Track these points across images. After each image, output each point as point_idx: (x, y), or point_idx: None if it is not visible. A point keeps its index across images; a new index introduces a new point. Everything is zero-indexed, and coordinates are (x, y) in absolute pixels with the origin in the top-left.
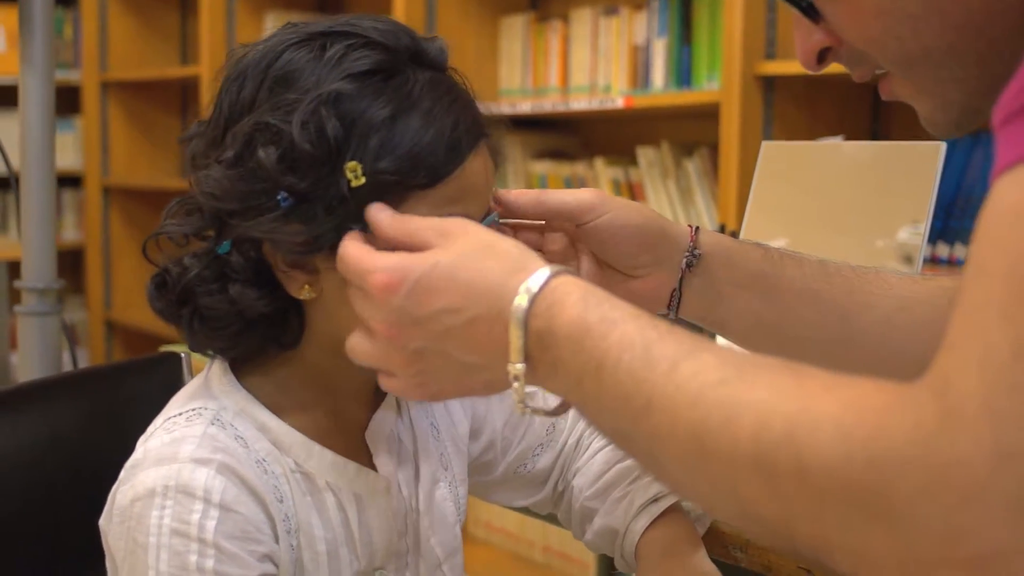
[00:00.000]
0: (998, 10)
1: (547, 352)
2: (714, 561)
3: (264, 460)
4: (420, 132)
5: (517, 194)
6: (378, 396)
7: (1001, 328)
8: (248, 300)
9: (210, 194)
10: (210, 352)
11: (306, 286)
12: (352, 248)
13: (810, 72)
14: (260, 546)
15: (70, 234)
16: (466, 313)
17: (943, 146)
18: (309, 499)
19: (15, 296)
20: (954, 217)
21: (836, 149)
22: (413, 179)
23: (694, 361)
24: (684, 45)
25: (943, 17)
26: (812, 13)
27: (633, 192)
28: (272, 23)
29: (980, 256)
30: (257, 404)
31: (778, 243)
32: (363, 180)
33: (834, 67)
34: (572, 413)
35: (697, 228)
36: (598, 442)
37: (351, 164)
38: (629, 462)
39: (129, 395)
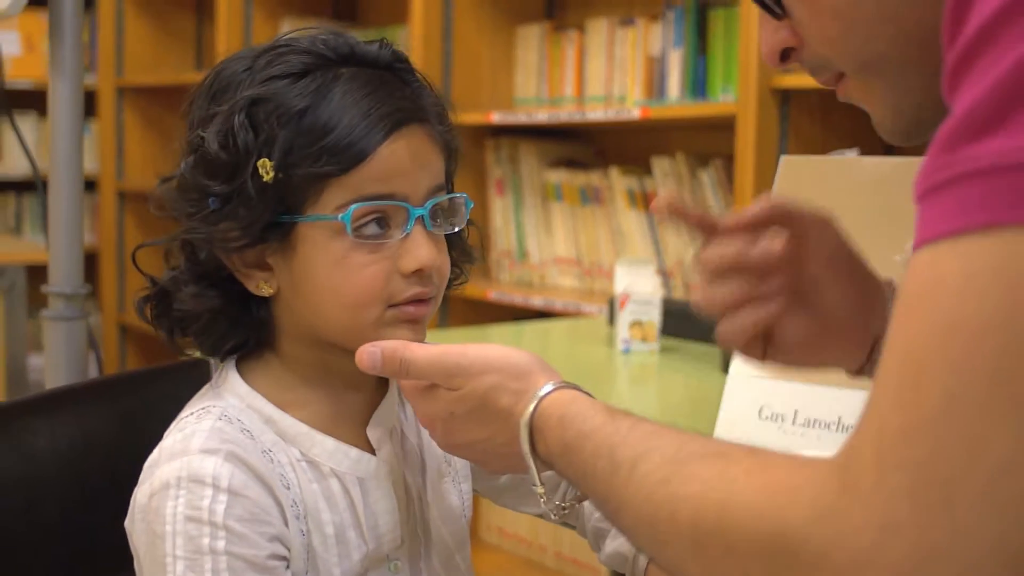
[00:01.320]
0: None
1: (557, 471)
2: None
3: (270, 450)
4: (329, 123)
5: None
6: (380, 388)
7: (893, 409)
8: (199, 297)
9: (158, 207)
10: (188, 349)
11: (263, 283)
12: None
13: (773, 67)
14: (269, 528)
15: (85, 238)
16: (495, 443)
17: None
18: (315, 486)
19: (32, 300)
20: None
21: (854, 164)
22: (323, 167)
23: (646, 463)
24: (700, 56)
25: (897, 25)
26: (777, 9)
27: (648, 202)
28: (288, 29)
29: (890, 332)
30: (261, 399)
31: None
32: (272, 175)
33: None
34: None
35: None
36: None
37: (261, 162)
38: None
39: (159, 399)
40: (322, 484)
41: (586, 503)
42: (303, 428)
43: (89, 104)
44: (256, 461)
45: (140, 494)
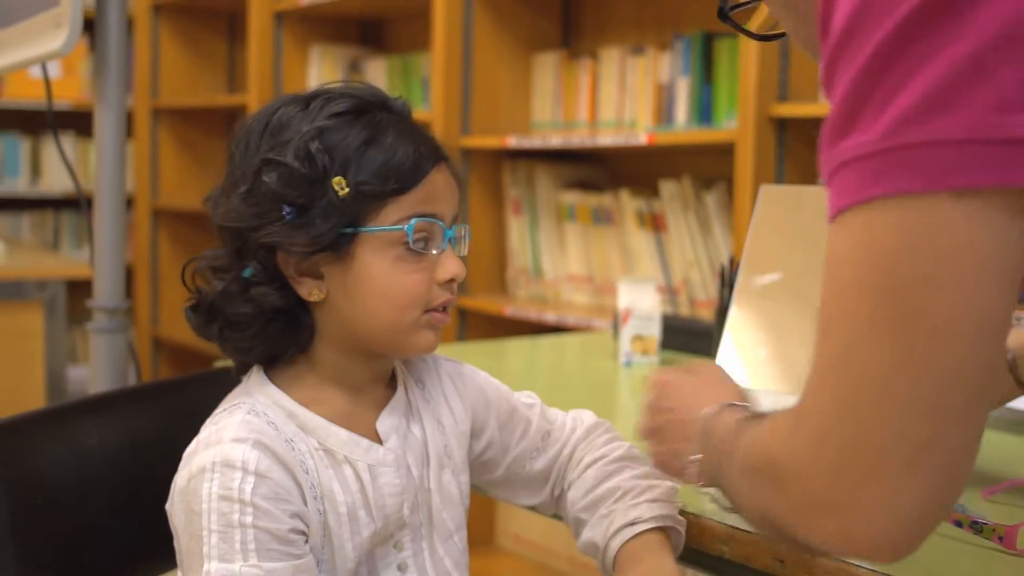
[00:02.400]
0: None
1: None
2: (701, 552)
3: (292, 440)
4: (389, 152)
5: None
6: (389, 388)
7: (818, 354)
8: (265, 296)
9: (228, 218)
10: (239, 355)
11: (315, 290)
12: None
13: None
14: (290, 505)
15: None
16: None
17: None
18: (331, 471)
19: (71, 313)
20: None
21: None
22: (387, 187)
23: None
24: (706, 84)
25: None
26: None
27: (656, 223)
28: (317, 55)
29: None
30: (286, 397)
31: (770, 278)
32: (348, 191)
33: None
34: (560, 425)
35: None
36: (588, 457)
37: (336, 179)
38: (614, 481)
39: (196, 403)
40: (336, 470)
41: (570, 494)
42: (321, 421)
43: (125, 125)
44: (280, 449)
45: (179, 479)
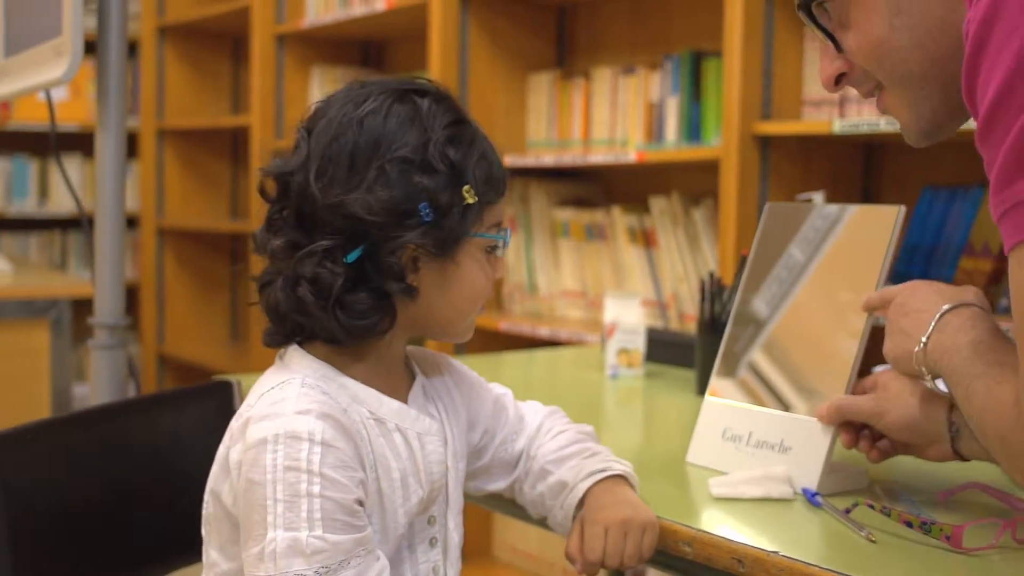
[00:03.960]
0: (957, 58)
1: (935, 355)
2: (665, 554)
3: (347, 410)
4: (491, 164)
5: (824, 412)
6: (409, 375)
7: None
8: (396, 292)
9: (370, 211)
10: (345, 335)
11: (413, 282)
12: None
13: (829, 92)
14: (356, 473)
15: (126, 272)
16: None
17: (902, 208)
18: (383, 440)
19: (77, 332)
20: (933, 263)
21: (824, 209)
22: (491, 197)
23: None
24: (695, 103)
25: (923, 51)
26: (834, 42)
27: (647, 238)
28: (318, 76)
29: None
30: (333, 370)
31: (762, 296)
32: (476, 198)
33: (824, 128)
34: (530, 409)
35: (952, 407)
36: (557, 428)
37: (466, 187)
38: (585, 445)
39: (189, 415)
40: (388, 438)
41: (538, 452)
42: (372, 392)
43: (131, 145)
44: (341, 417)
45: (233, 452)
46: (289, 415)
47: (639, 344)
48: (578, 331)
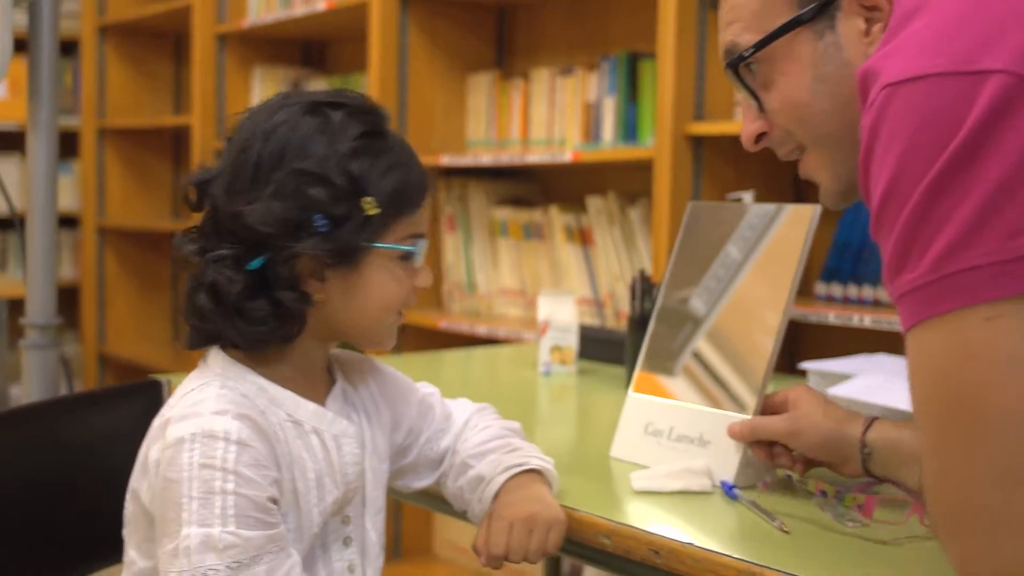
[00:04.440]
0: None
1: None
2: (585, 546)
3: (264, 411)
4: (405, 176)
5: (737, 431)
6: (329, 379)
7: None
8: (289, 300)
9: (265, 223)
10: (245, 342)
11: (318, 292)
12: None
13: (749, 150)
14: (270, 472)
15: (67, 272)
16: None
17: (817, 208)
18: (299, 441)
19: (15, 333)
20: (863, 261)
21: (748, 208)
22: (401, 209)
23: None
24: (631, 103)
25: (843, 116)
26: (757, 101)
27: (584, 237)
28: (259, 76)
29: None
30: (253, 373)
31: (687, 293)
32: (378, 210)
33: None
34: (457, 407)
35: (869, 426)
36: (483, 423)
37: (367, 199)
38: (507, 440)
39: (119, 415)
40: (305, 440)
41: (461, 447)
42: (290, 395)
43: (72, 145)
44: (257, 418)
45: (152, 451)
46: (207, 415)
47: (572, 342)
48: (516, 329)
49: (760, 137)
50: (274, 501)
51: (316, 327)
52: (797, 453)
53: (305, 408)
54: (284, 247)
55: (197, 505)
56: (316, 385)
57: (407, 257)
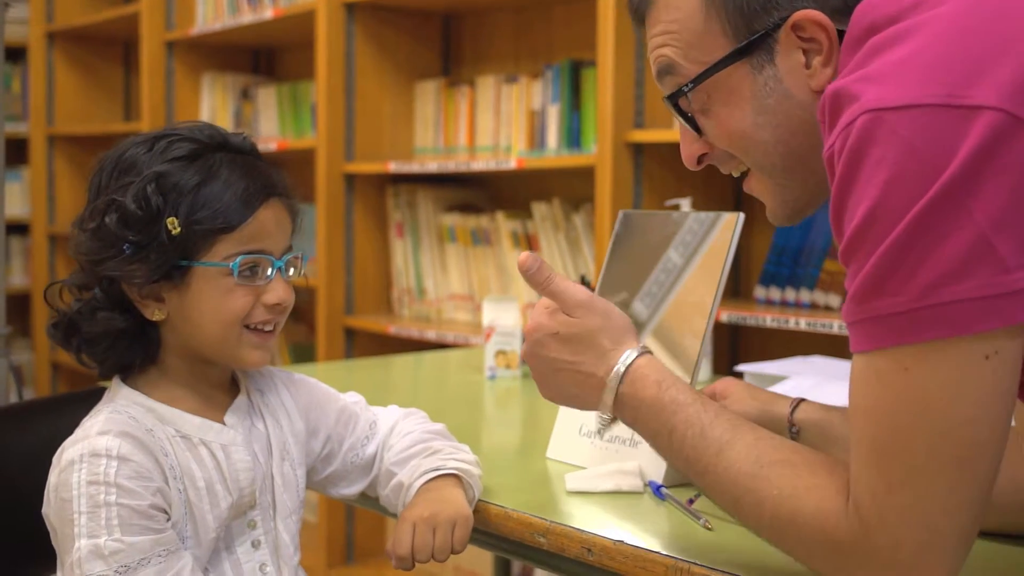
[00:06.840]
0: (816, 154)
1: (627, 409)
2: (522, 545)
3: (151, 430)
4: (219, 194)
5: None
6: (233, 389)
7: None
8: (110, 321)
9: (77, 251)
10: (96, 367)
11: (157, 311)
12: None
13: (692, 170)
14: (152, 483)
15: (17, 279)
16: (578, 367)
17: (741, 215)
18: (188, 454)
19: None
20: (800, 265)
21: (670, 215)
22: (216, 226)
23: (731, 450)
24: (574, 111)
25: (785, 146)
26: (696, 128)
27: (530, 243)
28: (208, 83)
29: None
30: (143, 396)
31: (620, 298)
32: (180, 230)
33: None
34: (384, 415)
35: (796, 406)
36: (407, 429)
37: (170, 219)
38: (427, 444)
39: (66, 422)
40: (193, 452)
41: (386, 455)
42: (176, 412)
43: (21, 152)
44: (140, 435)
45: (51, 478)
46: (93, 436)
47: (516, 346)
48: (464, 334)
49: (703, 158)
50: (158, 508)
51: (175, 345)
52: None
53: (191, 422)
54: (101, 272)
55: (85, 519)
56: (214, 399)
57: (244, 276)
